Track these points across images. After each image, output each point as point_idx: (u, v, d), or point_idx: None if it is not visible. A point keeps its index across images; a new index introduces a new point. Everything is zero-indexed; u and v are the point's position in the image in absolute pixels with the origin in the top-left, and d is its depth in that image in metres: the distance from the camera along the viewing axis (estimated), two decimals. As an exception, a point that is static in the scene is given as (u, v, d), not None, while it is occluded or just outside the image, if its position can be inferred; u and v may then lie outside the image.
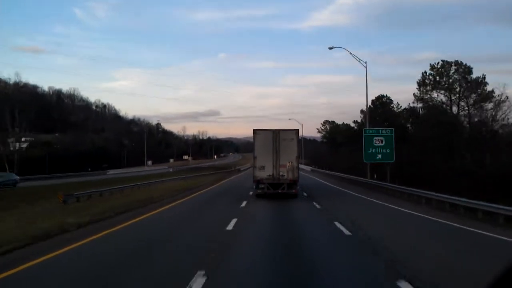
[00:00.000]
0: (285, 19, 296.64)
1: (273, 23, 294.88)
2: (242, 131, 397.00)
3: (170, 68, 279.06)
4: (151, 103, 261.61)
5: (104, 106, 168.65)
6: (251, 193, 24.84)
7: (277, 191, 21.40)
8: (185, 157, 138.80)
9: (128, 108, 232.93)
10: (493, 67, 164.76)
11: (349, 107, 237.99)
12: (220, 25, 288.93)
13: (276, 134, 21.81)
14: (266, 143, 21.58)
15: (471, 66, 46.41)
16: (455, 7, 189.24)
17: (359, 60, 32.33)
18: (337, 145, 78.24)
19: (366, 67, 32.15)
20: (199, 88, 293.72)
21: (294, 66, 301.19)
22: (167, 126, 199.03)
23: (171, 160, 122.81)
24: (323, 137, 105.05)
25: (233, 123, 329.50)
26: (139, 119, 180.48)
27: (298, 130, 23.15)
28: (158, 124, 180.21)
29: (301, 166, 52.16)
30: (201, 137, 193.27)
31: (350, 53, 31.96)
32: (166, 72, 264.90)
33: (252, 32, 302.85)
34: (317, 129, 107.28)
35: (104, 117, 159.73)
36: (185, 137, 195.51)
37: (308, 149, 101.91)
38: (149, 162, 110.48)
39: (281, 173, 21.52)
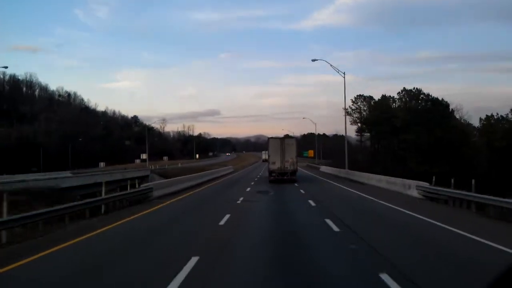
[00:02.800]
0: (285, 19, 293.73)
1: (273, 23, 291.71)
2: (242, 130, 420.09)
3: (170, 68, 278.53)
4: (152, 103, 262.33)
5: (69, 95, 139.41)
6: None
7: (283, 178, 31.38)
8: (165, 158, 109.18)
9: (128, 109, 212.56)
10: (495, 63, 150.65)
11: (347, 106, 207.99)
12: (220, 25, 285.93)
13: (282, 141, 32.99)
14: (276, 147, 31.99)
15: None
16: (454, 6, 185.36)
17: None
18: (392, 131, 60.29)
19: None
20: (199, 88, 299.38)
21: (294, 65, 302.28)
22: (167, 127, 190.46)
23: (137, 161, 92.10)
24: (358, 120, 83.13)
25: (233, 123, 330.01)
26: (114, 113, 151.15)
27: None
28: (135, 118, 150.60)
29: (322, 169, 52.26)
30: (188, 134, 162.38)
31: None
32: (166, 72, 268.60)
33: (252, 32, 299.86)
34: (353, 118, 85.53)
35: (67, 109, 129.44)
36: (171, 134, 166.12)
37: (328, 146, 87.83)
38: (102, 164, 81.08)
39: (286, 166, 31.50)
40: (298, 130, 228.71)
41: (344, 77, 35.07)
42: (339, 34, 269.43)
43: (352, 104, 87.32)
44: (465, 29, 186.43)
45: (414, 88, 71.44)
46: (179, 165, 71.02)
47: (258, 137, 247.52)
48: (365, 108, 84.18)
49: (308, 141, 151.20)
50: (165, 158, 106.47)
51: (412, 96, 69.37)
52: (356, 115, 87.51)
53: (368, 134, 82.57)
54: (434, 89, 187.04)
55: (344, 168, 36.34)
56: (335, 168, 42.66)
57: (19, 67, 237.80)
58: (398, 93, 73.07)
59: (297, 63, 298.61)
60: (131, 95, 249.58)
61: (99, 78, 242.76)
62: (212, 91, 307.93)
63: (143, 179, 38.48)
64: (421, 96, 69.14)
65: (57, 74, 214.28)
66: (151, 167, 56.82)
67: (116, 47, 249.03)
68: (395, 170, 38.52)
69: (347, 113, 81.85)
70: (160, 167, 62.49)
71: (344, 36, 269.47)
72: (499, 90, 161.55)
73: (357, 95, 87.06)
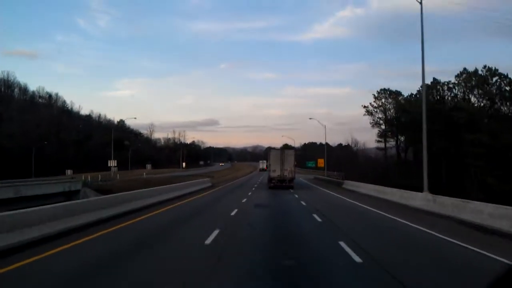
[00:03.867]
0: (285, 31, 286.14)
1: (273, 35, 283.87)
2: (239, 140, 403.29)
3: (170, 77, 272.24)
4: (151, 112, 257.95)
5: (50, 96, 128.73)
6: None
7: (282, 184, 34.56)
8: (149, 166, 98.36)
9: (127, 117, 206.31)
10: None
11: (347, 118, 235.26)
12: (220, 36, 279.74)
13: (282, 151, 36.86)
14: (276, 157, 35.43)
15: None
16: (454, 20, 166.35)
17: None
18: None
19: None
20: (198, 97, 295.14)
21: (294, 77, 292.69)
22: (159, 134, 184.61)
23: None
24: (382, 121, 70.98)
25: (231, 133, 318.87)
26: (99, 116, 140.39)
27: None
28: (121, 122, 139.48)
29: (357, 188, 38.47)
30: (179, 141, 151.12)
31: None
32: (166, 81, 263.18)
33: (252, 44, 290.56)
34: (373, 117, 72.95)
35: (45, 110, 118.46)
36: (162, 141, 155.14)
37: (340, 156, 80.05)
38: (69, 172, 70.20)
39: (285, 174, 34.97)
40: (297, 140, 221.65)
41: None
42: (338, 46, 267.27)
43: (374, 101, 71.94)
44: (465, 44, 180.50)
45: (484, 68, 51.15)
46: (144, 175, 59.99)
47: (255, 147, 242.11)
48: (392, 106, 69.55)
49: (309, 150, 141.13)
50: (149, 166, 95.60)
51: (482, 79, 50.55)
52: (379, 115, 71.57)
53: (392, 139, 68.02)
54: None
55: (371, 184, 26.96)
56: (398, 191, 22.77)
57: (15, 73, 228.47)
58: (457, 75, 53.88)
59: (297, 74, 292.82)
60: (130, 103, 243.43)
61: (98, 86, 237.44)
62: (211, 101, 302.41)
63: (69, 195, 27.63)
64: (496, 78, 49.26)
65: (55, 81, 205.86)
66: (116, 175, 45.93)
67: (116, 56, 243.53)
68: (463, 189, 26.57)
69: (367, 111, 71.75)
70: (121, 177, 51.87)
71: (343, 49, 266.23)
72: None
73: (380, 89, 71.82)
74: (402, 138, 65.37)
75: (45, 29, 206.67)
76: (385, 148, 70.12)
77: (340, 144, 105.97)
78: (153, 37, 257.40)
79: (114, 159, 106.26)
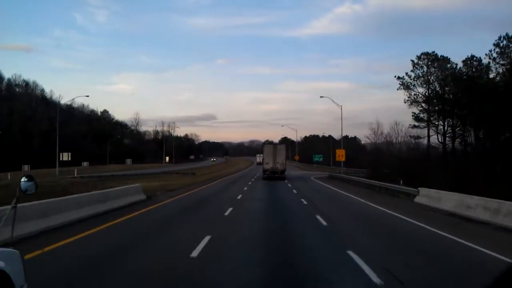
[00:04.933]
0: (283, 27, 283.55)
1: (271, 31, 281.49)
2: (237, 135, 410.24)
3: (168, 72, 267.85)
4: (149, 107, 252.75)
5: (26, 84, 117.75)
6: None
7: (274, 175, 38.90)
8: (129, 161, 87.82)
9: (125, 111, 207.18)
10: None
11: (345, 112, 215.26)
12: (218, 31, 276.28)
13: (275, 146, 42.45)
14: (269, 151, 40.59)
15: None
16: (453, 16, 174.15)
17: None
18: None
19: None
20: (196, 93, 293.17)
21: (292, 72, 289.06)
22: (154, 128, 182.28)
23: (84, 165, 70.42)
24: (422, 98, 53.16)
25: (228, 128, 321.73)
26: (82, 106, 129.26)
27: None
28: (105, 112, 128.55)
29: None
30: (166, 134, 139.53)
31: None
32: (164, 76, 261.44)
33: (250, 39, 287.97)
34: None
35: (21, 99, 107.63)
36: (152, 134, 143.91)
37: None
38: (26, 167, 59.88)
39: (277, 166, 39.39)
40: (296, 134, 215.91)
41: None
42: (336, 41, 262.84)
43: (412, 70, 53.86)
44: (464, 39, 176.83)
45: None
46: (75, 174, 47.73)
47: (252, 142, 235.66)
48: (438, 75, 52.48)
49: (311, 143, 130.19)
50: (128, 160, 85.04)
51: None
52: (420, 89, 53.67)
53: (437, 122, 51.04)
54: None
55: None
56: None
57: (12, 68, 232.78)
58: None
59: (294, 69, 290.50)
60: (128, 98, 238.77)
61: (96, 80, 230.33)
62: (209, 96, 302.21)
63: None
64: None
65: (52, 76, 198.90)
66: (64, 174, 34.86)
67: (114, 51, 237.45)
68: None
69: (402, 84, 54.05)
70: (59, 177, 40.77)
71: (341, 44, 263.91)
72: None
73: (421, 53, 53.72)
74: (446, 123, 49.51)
75: (41, 23, 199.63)
76: (428, 136, 52.02)
77: (347, 136, 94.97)
78: (151, 32, 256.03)
79: (94, 152, 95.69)
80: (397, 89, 55.55)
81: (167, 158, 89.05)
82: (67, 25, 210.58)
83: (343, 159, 43.19)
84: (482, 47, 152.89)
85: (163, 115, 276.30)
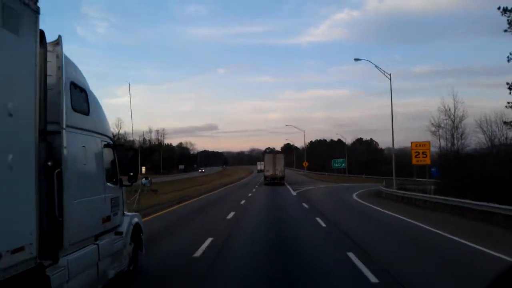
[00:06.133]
0: (282, 35, 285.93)
1: (271, 39, 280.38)
2: (238, 144, 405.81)
3: (169, 83, 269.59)
4: (151, 118, 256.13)
5: None
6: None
7: (274, 181, 45.08)
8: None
9: (128, 122, 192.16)
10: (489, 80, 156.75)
11: (347, 120, 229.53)
12: (218, 40, 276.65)
13: (274, 154, 51.26)
14: (270, 159, 47.08)
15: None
16: (450, 21, 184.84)
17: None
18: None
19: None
20: (197, 103, 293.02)
21: (292, 80, 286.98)
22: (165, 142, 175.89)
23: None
24: None
25: (230, 138, 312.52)
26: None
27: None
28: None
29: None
30: (159, 142, 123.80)
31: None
32: (166, 87, 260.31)
33: (250, 48, 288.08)
34: None
35: None
36: (142, 141, 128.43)
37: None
38: None
39: (276, 173, 45.53)
40: (298, 142, 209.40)
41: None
42: (335, 48, 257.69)
43: None
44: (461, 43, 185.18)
45: None
46: None
47: (252, 150, 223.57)
48: None
49: (315, 148, 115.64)
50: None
51: None
52: None
53: None
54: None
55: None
56: None
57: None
58: None
59: (295, 78, 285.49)
60: (129, 110, 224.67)
61: (100, 93, 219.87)
62: (210, 106, 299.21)
63: None
64: None
65: None
66: None
67: (116, 63, 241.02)
68: None
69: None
70: None
71: (340, 51, 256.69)
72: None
73: None
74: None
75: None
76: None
77: (361, 139, 79.06)
78: (152, 44, 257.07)
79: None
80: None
81: (143, 169, 74.03)
82: (68, 38, 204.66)
83: (429, 162, 26.99)
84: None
85: (165, 126, 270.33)
